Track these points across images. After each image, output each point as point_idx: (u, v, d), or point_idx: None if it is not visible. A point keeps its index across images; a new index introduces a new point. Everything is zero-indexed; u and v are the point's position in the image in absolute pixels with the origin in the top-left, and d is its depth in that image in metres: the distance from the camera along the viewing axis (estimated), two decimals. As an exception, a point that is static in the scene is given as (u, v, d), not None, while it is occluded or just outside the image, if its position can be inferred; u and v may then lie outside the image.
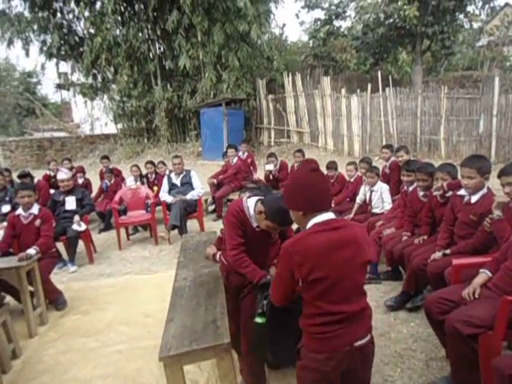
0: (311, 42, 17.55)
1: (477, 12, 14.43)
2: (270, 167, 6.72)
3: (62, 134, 19.34)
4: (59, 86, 20.74)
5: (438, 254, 2.96)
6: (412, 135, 11.42)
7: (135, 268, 4.96)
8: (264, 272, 2.27)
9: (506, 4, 20.56)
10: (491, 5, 14.29)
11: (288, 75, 13.33)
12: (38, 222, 3.85)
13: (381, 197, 4.63)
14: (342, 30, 17.82)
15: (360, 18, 14.42)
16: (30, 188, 3.88)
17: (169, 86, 14.50)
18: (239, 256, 2.28)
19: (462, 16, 13.74)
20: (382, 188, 4.61)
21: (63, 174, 5.08)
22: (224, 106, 12.47)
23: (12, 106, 25.50)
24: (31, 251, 3.49)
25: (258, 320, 1.87)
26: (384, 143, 11.48)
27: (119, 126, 16.59)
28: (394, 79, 12.41)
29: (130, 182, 6.58)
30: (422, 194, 3.57)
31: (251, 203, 2.33)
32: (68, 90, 18.58)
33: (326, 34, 16.11)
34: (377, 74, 12.19)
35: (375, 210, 4.68)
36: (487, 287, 2.27)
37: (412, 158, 5.03)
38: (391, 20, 13.31)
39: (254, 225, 2.33)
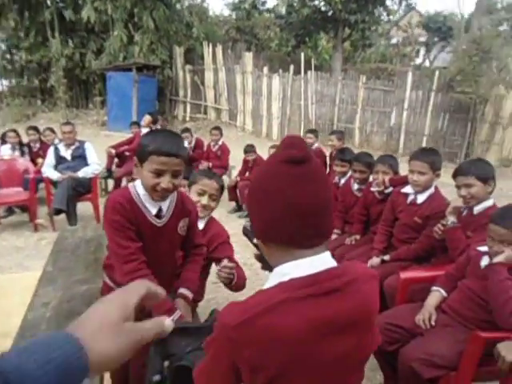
0: (234, 13, 16.63)
1: (395, 7, 14.94)
2: (184, 143, 5.89)
3: None
4: None
5: (375, 261, 2.56)
6: (329, 122, 11.42)
7: (3, 263, 3.85)
8: (172, 305, 1.53)
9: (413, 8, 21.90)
10: (408, 1, 14.89)
11: (208, 46, 12.34)
12: None
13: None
14: (266, 5, 17.21)
15: (285, -4, 13.93)
16: None
17: (70, 41, 12.48)
18: (140, 273, 1.47)
19: (381, 9, 14.08)
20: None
21: None
22: (135, 71, 11.08)
23: None
24: None
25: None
26: (303, 128, 11.35)
27: (5, 82, 13.97)
28: (315, 64, 12.25)
29: (5, 150, 5.21)
30: (356, 187, 3.16)
31: (141, 186, 1.54)
32: None
33: (250, 5, 15.33)
34: (298, 56, 11.90)
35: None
36: (443, 310, 1.88)
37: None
38: (316, 2, 13.05)
39: (153, 212, 1.54)
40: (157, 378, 1.17)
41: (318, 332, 0.75)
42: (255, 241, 0.91)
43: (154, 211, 1.54)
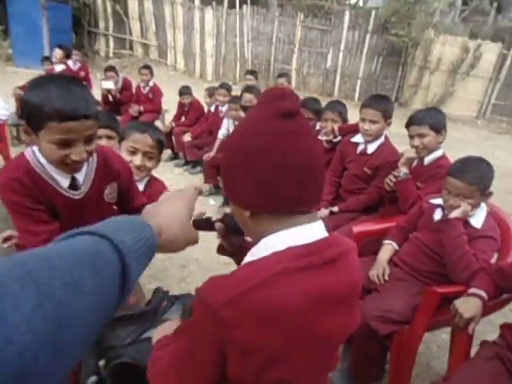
0: None
1: None
2: (109, 85, 5.21)
3: None
4: None
5: (323, 212, 2.49)
6: (266, 62, 10.98)
7: None
8: None
9: None
10: None
11: (130, -31, 10.86)
12: None
13: (248, 133, 3.95)
14: None
15: None
16: None
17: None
18: None
19: None
20: (250, 122, 3.91)
21: None
22: (42, -5, 9.47)
23: None
24: None
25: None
26: (239, 68, 10.80)
27: None
28: (251, -3, 11.44)
29: None
30: (302, 135, 3.00)
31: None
32: None
33: None
34: (233, -13, 10.97)
35: (241, 148, 4.01)
36: (395, 264, 1.87)
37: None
38: None
39: (64, 185, 1.22)
40: (93, 379, 0.97)
41: (318, 306, 0.67)
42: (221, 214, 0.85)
43: (65, 183, 1.22)
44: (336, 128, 2.62)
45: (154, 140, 1.67)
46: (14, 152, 4.43)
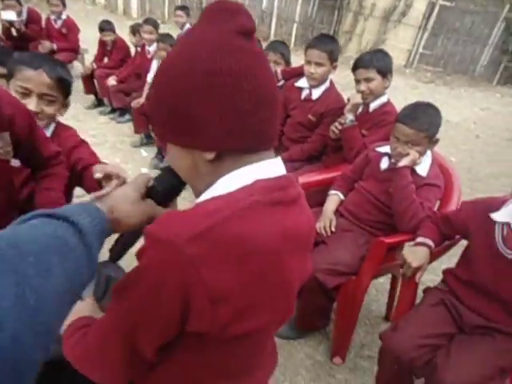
0: None
1: None
2: (11, 16, 4.37)
3: None
4: None
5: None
6: (198, 0, 10.12)
7: None
8: None
9: None
10: None
11: None
12: None
13: (181, 76, 3.60)
14: None
15: None
16: None
17: None
18: None
19: None
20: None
21: None
22: None
23: None
24: None
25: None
26: (167, 5, 9.87)
27: None
28: None
29: None
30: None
31: None
32: None
33: None
34: None
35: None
36: (341, 214, 1.82)
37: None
38: None
39: None
40: None
41: (287, 245, 0.61)
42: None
43: None
44: (279, 71, 2.43)
45: (52, 78, 1.30)
46: None
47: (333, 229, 1.74)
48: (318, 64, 2.09)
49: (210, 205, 0.56)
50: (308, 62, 2.13)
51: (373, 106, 2.04)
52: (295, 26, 10.27)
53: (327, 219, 1.76)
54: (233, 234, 0.53)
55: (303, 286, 1.56)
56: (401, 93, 8.02)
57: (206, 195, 0.61)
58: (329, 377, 1.76)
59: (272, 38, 10.34)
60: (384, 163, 1.73)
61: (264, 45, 2.70)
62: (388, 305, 2.04)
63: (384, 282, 2.21)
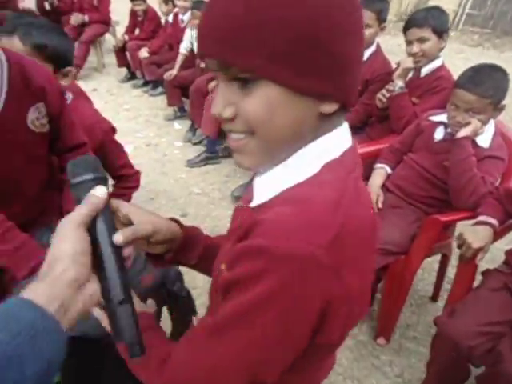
0: None
1: None
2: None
3: None
4: None
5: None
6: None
7: None
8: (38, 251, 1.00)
9: None
10: None
11: None
12: None
13: (214, 46, 3.47)
14: None
15: None
16: None
17: None
18: None
19: None
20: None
21: None
22: None
23: None
24: None
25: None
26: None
27: None
28: None
29: None
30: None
31: None
32: None
33: None
34: None
35: (207, 64, 3.56)
36: (388, 189, 1.70)
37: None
38: None
39: None
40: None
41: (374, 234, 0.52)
42: None
43: None
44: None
45: (28, 45, 1.13)
46: None
47: (380, 205, 1.63)
48: (366, 25, 1.92)
49: (321, 192, 0.45)
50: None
51: (425, 70, 1.85)
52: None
53: (374, 194, 1.65)
54: (356, 227, 0.45)
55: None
56: (445, 58, 7.51)
57: (288, 168, 0.49)
58: (372, 357, 1.70)
59: None
60: (439, 133, 1.58)
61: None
62: (436, 285, 1.93)
63: (431, 260, 2.08)
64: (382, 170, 1.74)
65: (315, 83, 0.43)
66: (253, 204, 0.53)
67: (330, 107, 0.45)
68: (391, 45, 7.73)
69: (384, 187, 1.72)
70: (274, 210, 0.45)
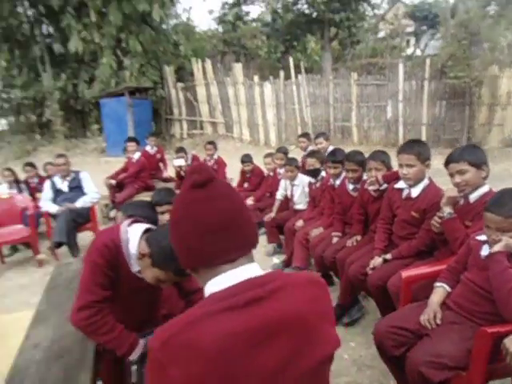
0: (220, 27, 16.77)
1: (378, 1, 14.96)
2: (180, 162, 5.88)
3: None
4: None
5: (377, 261, 2.48)
6: (326, 122, 11.36)
7: (8, 302, 3.83)
8: (133, 338, 1.51)
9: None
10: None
11: (197, 62, 12.42)
12: None
13: (303, 191, 4.12)
14: (251, 15, 17.35)
15: (268, 4, 14.01)
16: None
17: (61, 73, 12.62)
18: (94, 319, 1.44)
19: (365, 4, 14.09)
20: (304, 181, 4.09)
21: None
22: (127, 95, 11.17)
23: None
24: None
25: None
26: (300, 131, 11.30)
27: (3, 121, 14.23)
28: (305, 67, 12.25)
29: (2, 189, 5.23)
30: (351, 187, 3.09)
31: (134, 235, 1.49)
32: None
33: (234, 17, 15.45)
34: (288, 61, 11.89)
35: (298, 207, 4.17)
36: (448, 307, 1.80)
37: (331, 147, 4.60)
38: (299, 6, 13.11)
39: (135, 269, 1.51)
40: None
41: (241, 344, 0.72)
42: None
43: (136, 268, 1.50)
44: (380, 176, 2.68)
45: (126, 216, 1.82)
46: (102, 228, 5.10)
47: (438, 321, 1.72)
48: (409, 165, 2.29)
49: (178, 317, 0.77)
50: (400, 166, 2.35)
51: (473, 196, 2.06)
52: (424, 128, 10.38)
53: (432, 311, 1.76)
54: (182, 342, 0.72)
55: (410, 381, 1.60)
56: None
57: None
58: None
59: (401, 142, 10.58)
60: (484, 251, 1.72)
61: (393, 151, 2.93)
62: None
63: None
64: (440, 289, 1.87)
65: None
66: None
67: (188, 270, 0.86)
68: (498, 170, 7.58)
69: (444, 305, 1.82)
70: None
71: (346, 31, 13.99)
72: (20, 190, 5.32)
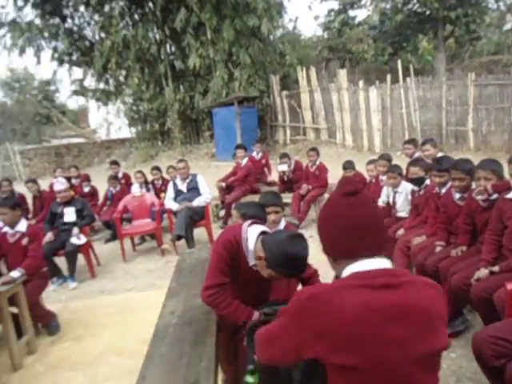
0: (326, 34, 16.90)
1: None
2: (284, 168, 6.23)
3: (79, 140, 19.40)
4: (75, 93, 20.77)
5: (483, 272, 2.41)
6: (437, 127, 10.69)
7: (139, 283, 4.58)
8: (249, 310, 1.80)
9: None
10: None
11: (302, 70, 12.78)
12: (25, 241, 3.49)
13: (406, 199, 4.07)
14: (357, 19, 17.09)
15: (376, 6, 13.69)
16: (5, 205, 3.50)
17: (181, 86, 14.19)
18: (216, 296, 1.79)
19: (487, -3, 12.86)
20: (408, 189, 4.04)
21: (59, 185, 4.75)
22: (236, 104, 12.05)
23: (31, 115, 25.73)
24: (15, 274, 3.13)
25: (249, 380, 1.40)
26: (407, 137, 10.82)
27: (133, 129, 16.49)
28: (415, 69, 11.66)
29: (135, 189, 6.21)
30: (458, 196, 3.01)
31: (252, 235, 1.80)
32: (83, 95, 18.52)
33: (340, 24, 15.46)
34: (396, 64, 11.49)
35: (401, 214, 4.13)
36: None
37: (440, 154, 4.44)
38: (410, 6, 12.55)
39: (252, 263, 1.81)
40: (250, 367, 1.40)
41: (371, 315, 0.90)
42: None
43: (253, 262, 1.80)
44: (489, 186, 2.58)
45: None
46: (214, 227, 5.71)
47: (545, 336, 1.68)
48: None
49: (325, 283, 1.04)
50: (511, 175, 2.27)
51: None
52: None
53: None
54: (325, 301, 0.94)
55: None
56: None
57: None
58: None
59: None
60: None
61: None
62: None
63: None
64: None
65: (324, 249, 1.13)
66: None
67: (331, 258, 1.09)
68: None
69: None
70: None
71: (463, 28, 12.89)
72: (148, 190, 6.24)
